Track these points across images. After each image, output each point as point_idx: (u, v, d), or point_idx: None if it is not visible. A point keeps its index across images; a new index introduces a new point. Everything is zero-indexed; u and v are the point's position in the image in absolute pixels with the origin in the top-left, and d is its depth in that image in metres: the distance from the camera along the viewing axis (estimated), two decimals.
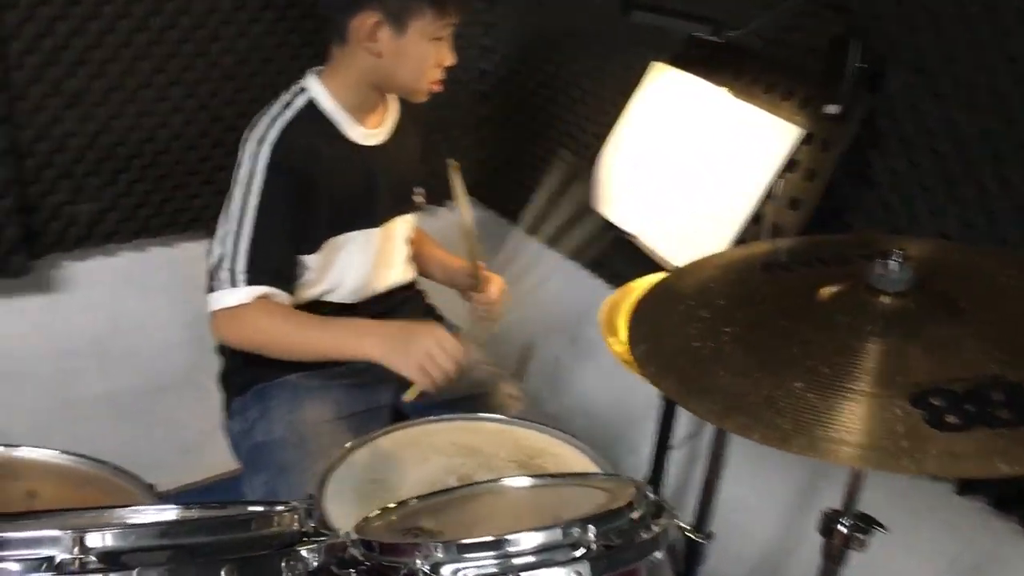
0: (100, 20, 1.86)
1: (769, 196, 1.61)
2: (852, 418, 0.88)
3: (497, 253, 2.69)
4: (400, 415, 1.77)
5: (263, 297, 1.54)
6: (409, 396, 1.51)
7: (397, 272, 1.81)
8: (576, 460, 1.47)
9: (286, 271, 1.59)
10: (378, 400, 1.73)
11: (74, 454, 1.41)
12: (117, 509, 1.02)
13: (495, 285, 1.83)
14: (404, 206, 1.77)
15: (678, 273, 1.23)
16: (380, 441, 1.51)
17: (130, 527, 0.88)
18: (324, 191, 1.60)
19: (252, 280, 1.54)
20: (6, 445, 1.33)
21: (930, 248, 1.16)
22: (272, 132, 1.56)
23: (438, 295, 1.96)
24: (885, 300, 1.01)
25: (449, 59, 1.61)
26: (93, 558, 0.83)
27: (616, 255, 2.00)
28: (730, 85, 1.74)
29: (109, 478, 1.42)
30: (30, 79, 1.82)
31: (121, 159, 1.98)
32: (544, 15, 2.23)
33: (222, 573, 0.85)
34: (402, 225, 1.78)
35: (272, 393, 1.67)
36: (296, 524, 0.92)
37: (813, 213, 1.56)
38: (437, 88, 1.64)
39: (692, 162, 1.76)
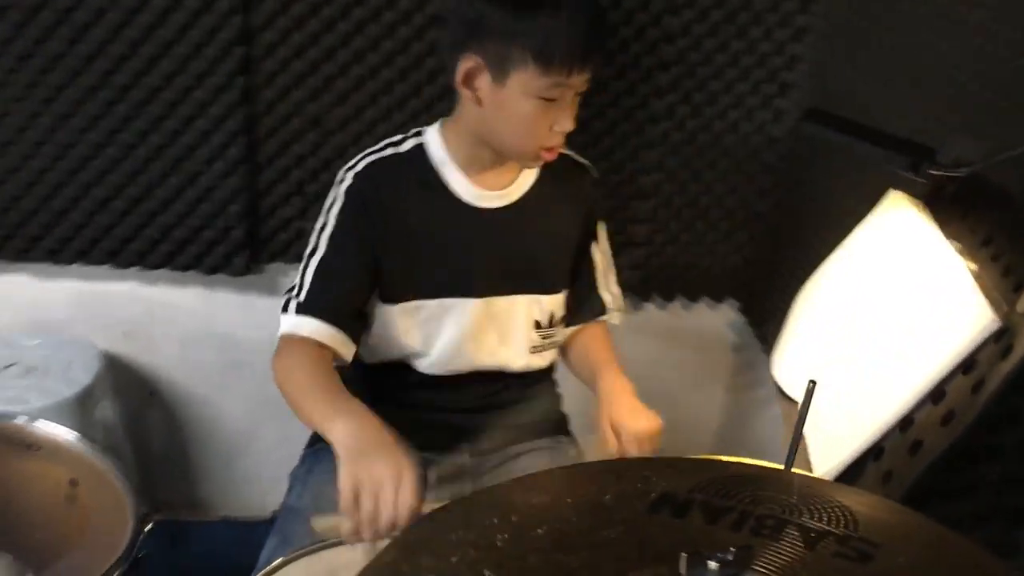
0: (347, 50, 1.91)
1: (932, 400, 1.15)
2: None
3: (741, 370, 2.33)
4: None
5: (310, 332, 1.41)
6: (319, 525, 1.22)
7: (506, 356, 1.58)
8: None
9: (345, 309, 1.45)
10: None
11: (101, 449, 1.44)
12: None
13: (633, 442, 1.40)
14: (522, 284, 1.55)
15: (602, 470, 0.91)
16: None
17: None
18: (405, 238, 1.47)
19: (303, 310, 1.42)
20: (28, 416, 1.37)
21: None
22: (362, 163, 1.48)
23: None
24: None
25: (565, 124, 1.40)
26: None
27: None
28: (967, 238, 1.28)
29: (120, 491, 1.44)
30: (275, 98, 1.93)
31: None
32: (831, 105, 1.84)
33: None
34: (522, 306, 1.57)
35: (325, 456, 1.55)
36: None
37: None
38: (549, 156, 1.44)
39: (880, 328, 1.32)
